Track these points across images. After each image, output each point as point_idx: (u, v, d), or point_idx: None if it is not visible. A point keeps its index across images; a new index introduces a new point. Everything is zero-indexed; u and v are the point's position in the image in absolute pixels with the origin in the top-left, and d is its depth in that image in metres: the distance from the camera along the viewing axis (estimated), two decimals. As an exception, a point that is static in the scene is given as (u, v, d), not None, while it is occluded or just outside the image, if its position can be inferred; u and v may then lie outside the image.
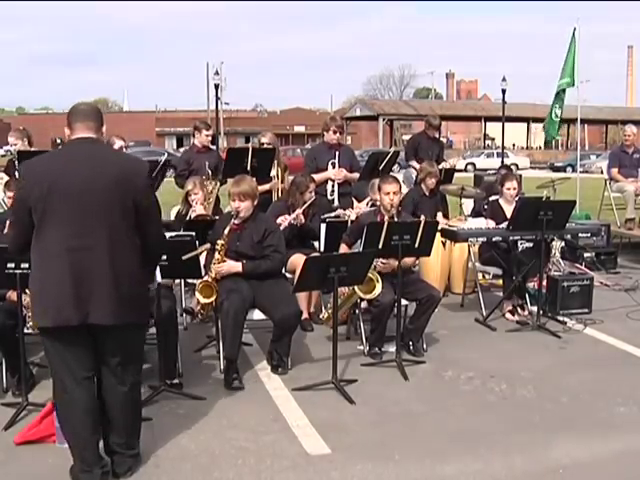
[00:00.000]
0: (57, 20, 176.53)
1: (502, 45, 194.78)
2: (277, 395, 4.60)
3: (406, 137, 43.67)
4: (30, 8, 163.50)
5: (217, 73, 34.85)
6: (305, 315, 5.83)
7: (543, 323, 6.10)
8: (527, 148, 55.29)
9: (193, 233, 4.91)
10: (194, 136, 7.67)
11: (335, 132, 7.02)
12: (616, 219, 9.55)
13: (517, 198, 6.56)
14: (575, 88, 11.18)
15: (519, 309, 6.48)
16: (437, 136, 9.01)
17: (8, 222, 3.44)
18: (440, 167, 8.21)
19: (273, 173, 7.02)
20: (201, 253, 4.83)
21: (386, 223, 5.02)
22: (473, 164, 38.15)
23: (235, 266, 4.95)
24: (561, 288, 6.53)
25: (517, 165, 36.20)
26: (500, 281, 6.80)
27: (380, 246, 4.96)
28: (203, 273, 4.90)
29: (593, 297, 6.67)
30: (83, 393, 3.37)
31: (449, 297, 7.18)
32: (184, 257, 4.56)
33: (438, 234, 5.89)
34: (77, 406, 3.36)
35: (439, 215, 7.34)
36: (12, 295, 4.36)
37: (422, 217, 5.24)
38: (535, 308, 6.21)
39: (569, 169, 34.19)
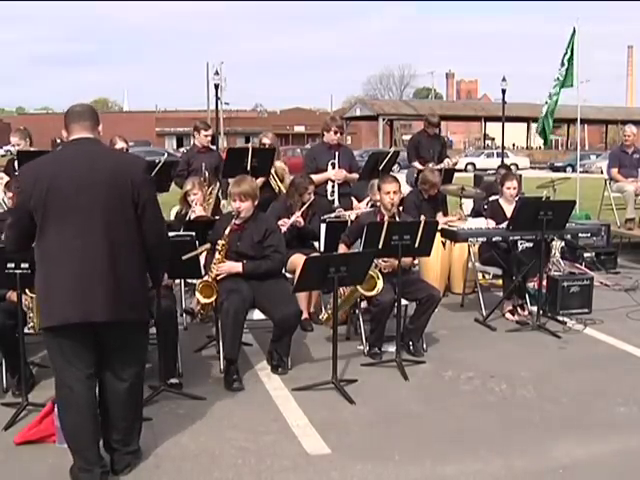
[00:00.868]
0: (57, 20, 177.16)
1: (502, 45, 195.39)
2: (277, 395, 4.60)
3: (406, 137, 43.76)
4: (30, 8, 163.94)
5: (217, 73, 34.81)
6: (305, 315, 5.83)
7: (543, 323, 6.10)
8: (527, 148, 55.20)
9: (193, 233, 4.92)
10: (194, 136, 7.67)
11: (336, 132, 7.01)
12: (616, 219, 9.55)
13: (517, 198, 6.56)
14: (575, 88, 11.21)
15: (519, 309, 6.47)
16: (437, 133, 8.99)
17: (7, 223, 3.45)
18: (440, 167, 8.23)
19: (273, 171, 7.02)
20: (201, 253, 4.83)
21: (386, 223, 5.03)
22: (473, 164, 38.11)
23: (235, 266, 4.95)
24: (561, 288, 6.53)
25: (517, 165, 36.19)
26: (500, 281, 6.79)
27: (380, 246, 4.96)
28: (203, 273, 4.91)
29: (593, 297, 6.66)
30: (85, 391, 3.38)
31: (449, 297, 7.18)
32: (184, 257, 4.56)
33: (438, 234, 5.89)
34: (79, 404, 3.37)
35: (439, 214, 7.33)
36: (12, 295, 4.36)
37: (422, 217, 5.24)
38: (535, 308, 6.21)
39: (569, 169, 34.12)
